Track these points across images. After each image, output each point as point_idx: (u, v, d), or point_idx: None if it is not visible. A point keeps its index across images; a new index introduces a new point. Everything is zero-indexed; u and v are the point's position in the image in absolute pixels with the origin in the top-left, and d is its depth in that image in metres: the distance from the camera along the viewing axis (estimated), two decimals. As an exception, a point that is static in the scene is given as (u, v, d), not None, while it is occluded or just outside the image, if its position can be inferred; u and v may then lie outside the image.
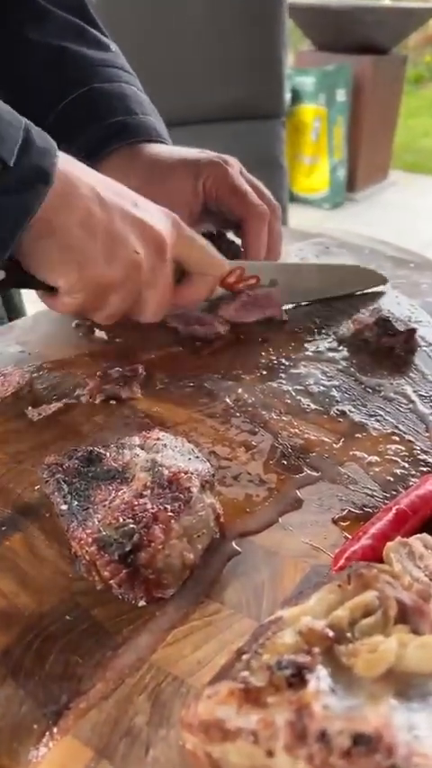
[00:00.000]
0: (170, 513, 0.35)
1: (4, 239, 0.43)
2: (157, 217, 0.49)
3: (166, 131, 0.66)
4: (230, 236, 0.66)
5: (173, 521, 0.35)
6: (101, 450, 0.40)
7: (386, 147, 4.01)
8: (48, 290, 0.49)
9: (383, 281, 0.68)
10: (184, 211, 0.60)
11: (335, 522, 0.40)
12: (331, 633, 0.25)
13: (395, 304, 0.65)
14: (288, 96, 3.19)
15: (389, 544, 0.34)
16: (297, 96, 3.47)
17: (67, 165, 0.46)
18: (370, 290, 0.68)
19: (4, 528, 0.39)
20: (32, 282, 0.48)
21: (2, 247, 0.43)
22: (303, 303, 0.66)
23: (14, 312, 0.88)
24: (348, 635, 0.25)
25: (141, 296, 0.50)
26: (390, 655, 0.24)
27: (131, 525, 0.35)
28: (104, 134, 0.60)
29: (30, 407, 0.48)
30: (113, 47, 0.67)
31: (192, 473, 0.38)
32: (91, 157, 0.60)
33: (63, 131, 0.61)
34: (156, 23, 1.34)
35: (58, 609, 0.34)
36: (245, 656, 0.25)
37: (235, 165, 0.62)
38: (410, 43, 5.29)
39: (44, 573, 0.36)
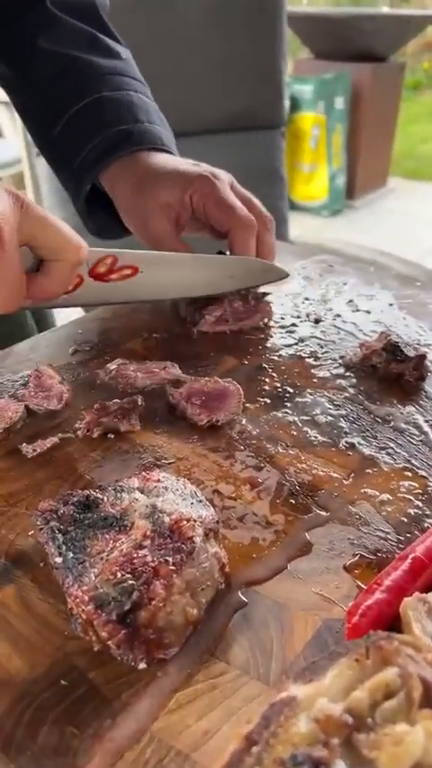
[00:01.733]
0: (172, 567, 0.33)
1: None
2: None
3: (173, 138, 0.65)
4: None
5: (175, 575, 0.33)
6: (98, 495, 0.38)
7: (385, 153, 4.00)
8: None
9: (283, 274, 0.65)
10: (172, 221, 0.60)
11: (347, 569, 0.38)
12: (350, 720, 0.23)
13: (403, 326, 0.63)
14: (287, 104, 3.19)
15: (406, 600, 0.32)
16: (296, 104, 3.46)
17: None
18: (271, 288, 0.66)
19: (-5, 580, 0.36)
20: None
21: None
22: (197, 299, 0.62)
23: (44, 323, 0.86)
24: (369, 720, 0.23)
25: None
26: (416, 748, 0.22)
27: (130, 581, 0.32)
28: (111, 142, 0.61)
29: (24, 443, 0.46)
30: (125, 54, 0.67)
31: (194, 520, 0.35)
32: (97, 164, 0.61)
33: (72, 137, 0.63)
34: (155, 34, 1.33)
35: (53, 672, 0.32)
36: (255, 749, 0.22)
37: (224, 179, 0.61)
38: (408, 50, 5.29)
39: (38, 631, 0.34)
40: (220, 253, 0.63)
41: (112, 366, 0.52)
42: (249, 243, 0.60)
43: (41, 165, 1.45)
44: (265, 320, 0.64)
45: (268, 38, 1.44)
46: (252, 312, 0.63)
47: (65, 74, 0.63)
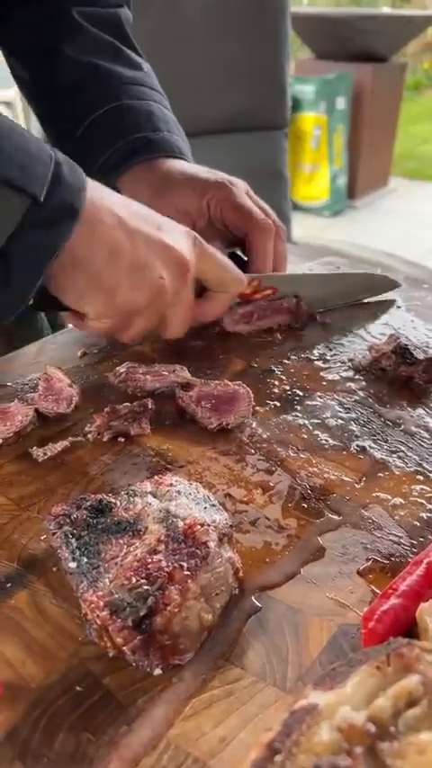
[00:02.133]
0: (186, 572, 0.33)
1: (32, 273, 0.43)
2: (180, 239, 0.49)
3: (189, 150, 0.66)
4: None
5: (190, 580, 0.33)
6: (111, 499, 0.38)
7: (386, 154, 4.00)
8: (75, 313, 0.50)
9: (395, 285, 0.68)
10: (188, 227, 0.59)
11: (360, 573, 0.38)
12: (373, 729, 0.23)
13: (411, 328, 0.63)
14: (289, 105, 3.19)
15: (423, 606, 0.32)
16: (297, 104, 3.46)
17: (92, 192, 0.45)
18: (382, 298, 0.68)
19: (9, 585, 0.36)
20: (60, 306, 0.48)
21: (29, 283, 0.43)
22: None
23: (56, 326, 0.86)
24: (392, 729, 0.23)
25: (165, 315, 0.51)
26: (441, 757, 0.21)
27: (146, 587, 0.32)
28: (129, 149, 0.62)
29: (35, 447, 0.46)
30: (146, 66, 0.68)
31: (208, 525, 0.35)
32: (114, 170, 0.62)
33: (90, 144, 0.64)
34: (159, 35, 1.33)
35: (68, 678, 0.32)
36: (278, 758, 0.22)
37: (241, 187, 0.62)
38: (409, 50, 5.29)
39: (52, 636, 0.34)
40: (233, 254, 0.63)
41: (122, 369, 0.52)
42: (267, 246, 0.61)
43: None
44: (291, 322, 0.64)
45: (272, 39, 1.44)
46: (277, 312, 0.63)
47: (86, 81, 0.64)
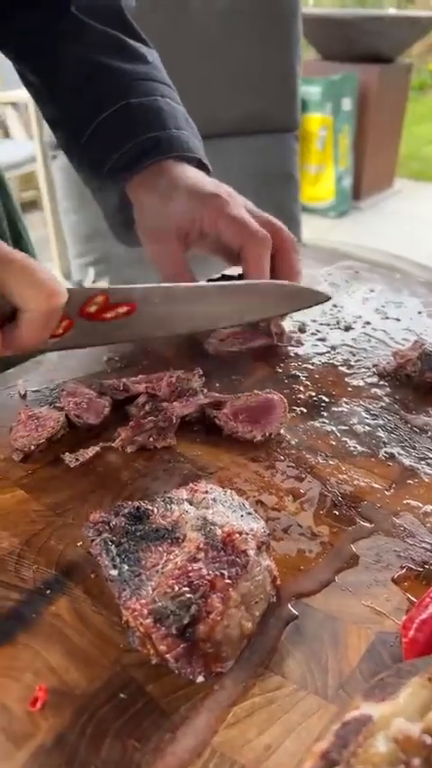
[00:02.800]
0: (228, 581, 0.33)
1: None
2: None
3: (200, 143, 0.65)
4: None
5: (231, 588, 0.33)
6: (148, 506, 0.38)
7: (391, 155, 4.00)
8: None
9: (324, 298, 0.61)
10: (182, 237, 0.59)
11: (395, 581, 0.38)
12: (429, 740, 0.23)
13: (434, 334, 0.63)
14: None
15: (464, 615, 0.32)
16: (303, 105, 3.45)
17: None
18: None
19: (48, 591, 0.36)
20: None
21: None
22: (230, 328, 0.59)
23: None
24: (448, 740, 0.23)
25: None
26: None
27: (188, 595, 0.32)
28: (139, 150, 0.60)
29: (66, 453, 0.46)
30: (151, 57, 0.66)
31: (247, 533, 0.35)
32: (125, 172, 0.61)
33: (100, 147, 0.63)
34: (171, 36, 1.33)
35: (111, 685, 0.32)
36: (338, 769, 0.22)
37: (238, 200, 0.60)
38: (414, 51, 5.28)
39: (93, 643, 0.34)
40: (224, 276, 0.61)
41: (143, 399, 0.50)
42: (263, 259, 0.57)
43: (56, 167, 1.45)
44: (281, 337, 0.61)
45: (283, 41, 1.44)
46: (254, 336, 0.61)
47: (92, 81, 0.62)
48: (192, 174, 0.61)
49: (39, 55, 0.65)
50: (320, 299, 0.60)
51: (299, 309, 0.60)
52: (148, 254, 0.61)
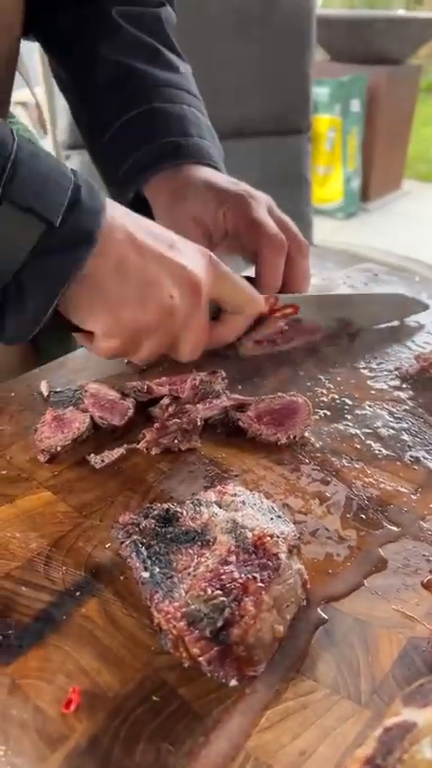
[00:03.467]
0: (260, 584, 0.33)
1: (46, 297, 0.42)
2: (193, 258, 0.47)
3: (222, 155, 0.65)
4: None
5: (263, 592, 0.33)
6: (177, 509, 0.38)
7: (400, 156, 3.99)
8: (85, 334, 0.48)
9: (425, 307, 0.67)
10: (205, 237, 0.60)
11: (425, 585, 0.38)
12: None
13: (455, 337, 0.63)
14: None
15: None
16: (312, 107, 3.46)
17: (108, 211, 0.44)
18: (411, 319, 0.67)
19: (78, 594, 0.36)
20: (70, 326, 0.47)
21: (43, 307, 0.42)
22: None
23: None
24: None
25: (177, 337, 0.49)
26: None
27: (221, 598, 0.32)
28: (157, 153, 0.61)
29: (92, 454, 0.46)
30: (183, 68, 0.67)
31: (278, 536, 0.35)
32: (141, 174, 0.61)
33: (120, 147, 0.63)
34: (184, 37, 1.33)
35: (144, 687, 0.32)
36: (385, 776, 0.22)
37: (261, 200, 0.60)
38: (422, 52, 5.27)
39: (125, 645, 0.34)
40: (249, 278, 0.61)
41: (166, 401, 0.50)
42: (277, 263, 0.58)
43: (71, 166, 1.45)
44: (315, 338, 0.63)
45: (297, 42, 1.44)
46: (300, 333, 0.61)
47: (120, 82, 0.63)
48: (211, 174, 0.61)
49: (74, 53, 0.66)
50: (424, 307, 0.67)
51: (407, 317, 0.67)
52: None
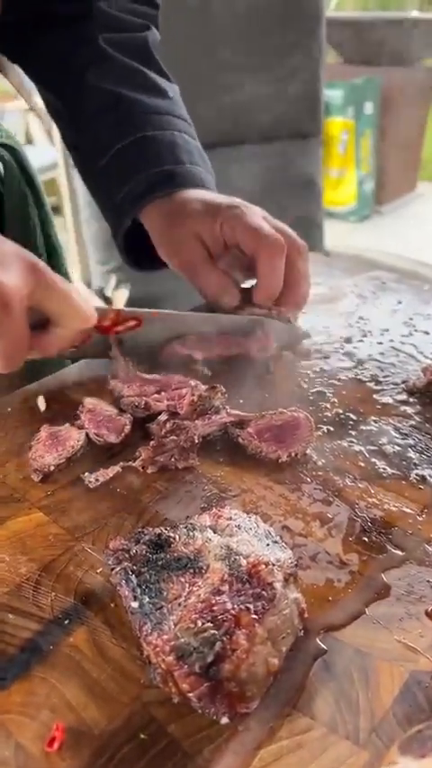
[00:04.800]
0: (254, 616, 0.32)
1: None
2: (10, 270, 0.43)
3: (213, 181, 0.65)
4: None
5: (257, 624, 0.31)
6: (169, 534, 0.36)
7: (414, 159, 3.96)
8: None
9: (303, 336, 0.63)
10: (204, 253, 0.59)
11: (429, 615, 0.36)
12: None
13: (464, 348, 0.61)
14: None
15: None
16: (325, 109, 3.42)
17: None
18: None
19: (67, 622, 0.35)
20: None
21: None
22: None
23: None
24: None
25: None
26: None
27: (212, 631, 0.31)
28: (152, 181, 0.61)
29: (86, 473, 0.45)
30: (172, 92, 0.66)
31: (273, 564, 0.34)
32: (136, 203, 0.61)
33: (114, 175, 0.63)
34: (193, 41, 1.32)
35: (131, 724, 0.31)
36: None
37: (255, 210, 0.60)
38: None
39: (113, 678, 0.32)
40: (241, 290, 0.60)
41: (164, 417, 0.48)
42: (276, 265, 0.56)
43: (76, 176, 1.45)
44: (264, 349, 0.60)
45: (306, 45, 1.42)
46: (240, 342, 0.59)
47: (110, 111, 0.63)
48: (203, 193, 0.61)
49: (62, 81, 0.67)
50: (301, 337, 0.62)
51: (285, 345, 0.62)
52: (184, 274, 0.61)
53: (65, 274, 0.77)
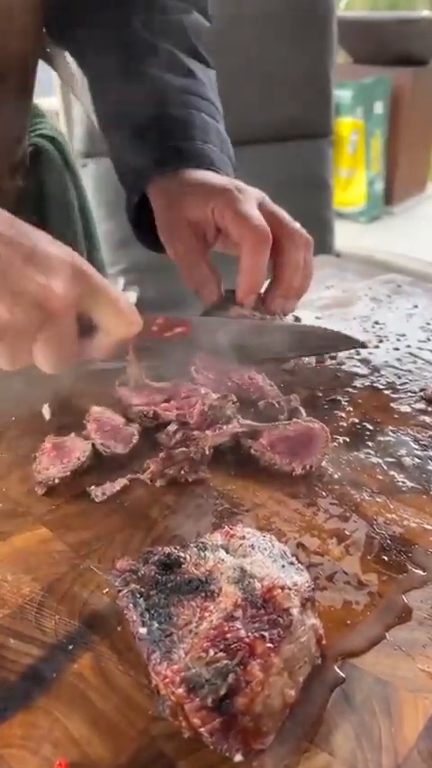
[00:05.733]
0: (269, 645, 0.30)
1: None
2: (53, 271, 0.42)
3: (228, 161, 0.63)
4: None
5: (272, 654, 0.29)
6: (180, 554, 0.34)
7: (424, 159, 3.92)
8: None
9: (361, 345, 0.60)
10: (200, 237, 0.58)
11: (454, 641, 0.34)
12: None
13: None
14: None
15: None
16: (334, 110, 3.41)
17: None
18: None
19: (71, 647, 0.33)
20: None
21: None
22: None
23: None
24: None
25: (38, 348, 0.44)
26: None
27: (225, 661, 0.29)
28: (159, 157, 0.60)
29: (93, 486, 0.43)
30: (202, 74, 0.66)
31: (290, 588, 0.32)
32: (143, 178, 0.61)
33: (129, 151, 0.63)
34: (204, 43, 1.30)
35: (139, 760, 0.29)
36: None
37: (250, 194, 0.57)
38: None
39: (119, 709, 0.31)
40: (228, 291, 0.58)
41: (173, 427, 0.47)
42: (258, 258, 0.54)
43: (87, 175, 1.44)
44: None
45: (317, 45, 1.40)
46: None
47: (134, 90, 0.62)
48: (206, 174, 0.59)
49: (93, 61, 0.66)
50: (355, 344, 0.59)
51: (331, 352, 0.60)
52: (172, 257, 0.60)
53: (101, 262, 0.77)
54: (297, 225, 0.57)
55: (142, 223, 0.64)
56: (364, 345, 0.59)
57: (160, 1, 0.66)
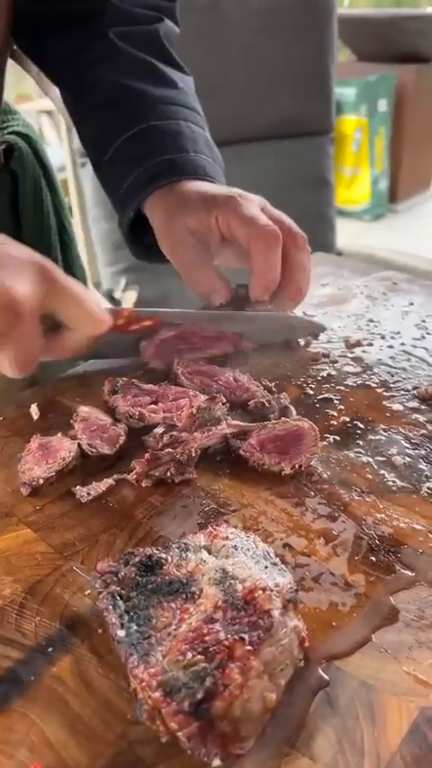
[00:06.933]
0: (249, 647, 0.29)
1: None
2: (15, 272, 0.42)
3: (220, 169, 0.63)
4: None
5: (252, 657, 0.29)
6: (161, 555, 0.34)
7: (428, 157, 3.90)
8: None
9: (321, 329, 0.62)
10: (203, 247, 0.58)
11: (441, 643, 0.33)
12: None
13: None
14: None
15: None
16: (338, 107, 3.38)
17: None
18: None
19: (51, 649, 0.33)
20: None
21: None
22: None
23: None
24: None
25: (2, 352, 0.43)
26: None
27: (203, 664, 0.28)
28: (154, 172, 0.59)
29: (78, 486, 0.42)
30: (182, 83, 0.65)
31: (271, 589, 0.31)
32: (139, 193, 0.60)
33: (119, 166, 0.62)
34: (202, 39, 1.30)
35: (116, 765, 0.28)
36: None
37: (252, 200, 0.57)
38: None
39: (98, 713, 0.30)
40: (240, 286, 0.58)
41: (160, 430, 0.46)
42: (270, 256, 0.54)
43: (86, 174, 1.44)
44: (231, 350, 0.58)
45: (318, 43, 1.40)
46: (214, 341, 0.57)
47: (117, 103, 0.62)
48: (204, 185, 0.59)
49: (72, 75, 0.66)
50: (319, 329, 0.62)
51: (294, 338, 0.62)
52: (176, 267, 0.60)
53: (76, 258, 0.77)
54: (298, 228, 0.57)
55: (136, 236, 0.64)
56: (323, 328, 0.62)
57: (134, 12, 0.65)
